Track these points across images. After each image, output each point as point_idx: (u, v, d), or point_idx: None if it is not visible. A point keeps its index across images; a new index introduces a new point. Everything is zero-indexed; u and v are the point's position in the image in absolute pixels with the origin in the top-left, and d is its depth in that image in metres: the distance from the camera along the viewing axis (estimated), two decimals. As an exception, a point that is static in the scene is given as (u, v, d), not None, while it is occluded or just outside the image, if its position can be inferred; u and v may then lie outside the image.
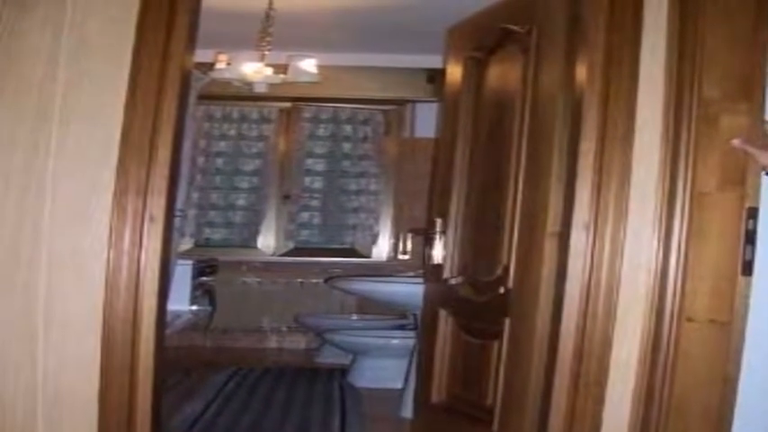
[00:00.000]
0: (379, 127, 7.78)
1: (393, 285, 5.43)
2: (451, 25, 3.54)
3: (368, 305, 7.04)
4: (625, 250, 2.27)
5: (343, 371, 6.04)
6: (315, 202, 7.82)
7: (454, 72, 3.47)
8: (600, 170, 2.30)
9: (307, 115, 7.77)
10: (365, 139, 7.76)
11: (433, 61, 5.94)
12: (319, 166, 7.81)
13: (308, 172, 7.78)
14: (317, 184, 7.82)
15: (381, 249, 7.76)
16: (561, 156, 2.54)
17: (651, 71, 2.29)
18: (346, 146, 7.79)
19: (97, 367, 2.27)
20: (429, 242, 3.40)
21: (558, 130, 2.59)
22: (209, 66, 5.63)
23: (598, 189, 2.29)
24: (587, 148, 2.32)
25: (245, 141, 7.74)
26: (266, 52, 5.58)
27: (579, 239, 2.31)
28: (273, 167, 7.78)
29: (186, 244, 7.10)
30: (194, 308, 4.88)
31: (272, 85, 5.79)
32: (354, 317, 7.17)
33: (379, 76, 7.06)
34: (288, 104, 7.63)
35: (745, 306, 2.23)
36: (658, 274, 2.25)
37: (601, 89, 2.31)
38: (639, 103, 2.28)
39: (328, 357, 6.66)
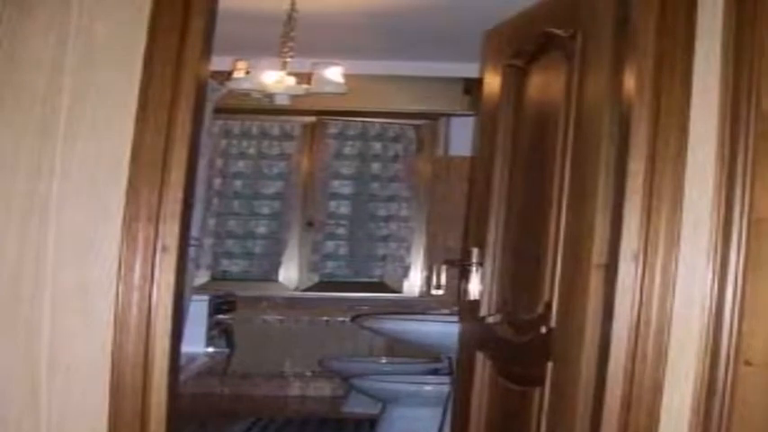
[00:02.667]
0: (410, 144, 7.86)
1: (426, 324, 5.43)
2: (489, 29, 3.58)
3: (398, 347, 7.11)
4: (677, 284, 2.29)
5: (372, 421, 6.06)
6: (341, 230, 7.90)
7: (492, 82, 3.50)
8: (650, 193, 2.32)
9: (332, 131, 7.86)
10: (396, 157, 7.85)
11: (470, 70, 6.00)
12: (346, 188, 7.90)
13: (334, 195, 7.87)
14: (344, 209, 7.90)
15: (413, 284, 7.83)
16: (608, 176, 2.56)
17: (705, 81, 2.31)
18: (375, 166, 7.88)
19: (105, 417, 2.29)
20: (465, 275, 3.41)
21: (605, 148, 2.59)
22: (227, 75, 5.71)
23: (648, 214, 2.31)
24: (636, 168, 2.34)
25: (266, 161, 7.85)
26: (288, 59, 5.64)
27: (627, 272, 2.33)
28: (296, 190, 7.87)
29: (202, 277, 7.18)
30: (210, 350, 4.89)
31: (294, 98, 5.83)
32: (383, 360, 7.24)
33: (411, 86, 7.15)
34: (312, 119, 7.75)
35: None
36: (713, 312, 2.26)
37: (651, 101, 2.34)
38: (693, 116, 2.31)
39: (355, 406, 6.71)
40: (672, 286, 2.29)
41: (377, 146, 7.88)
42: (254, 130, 7.83)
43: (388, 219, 7.84)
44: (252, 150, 7.83)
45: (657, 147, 2.32)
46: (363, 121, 7.84)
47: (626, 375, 2.31)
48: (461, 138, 7.29)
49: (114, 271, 2.29)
